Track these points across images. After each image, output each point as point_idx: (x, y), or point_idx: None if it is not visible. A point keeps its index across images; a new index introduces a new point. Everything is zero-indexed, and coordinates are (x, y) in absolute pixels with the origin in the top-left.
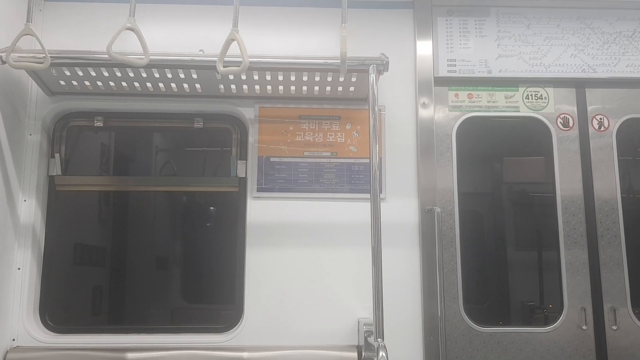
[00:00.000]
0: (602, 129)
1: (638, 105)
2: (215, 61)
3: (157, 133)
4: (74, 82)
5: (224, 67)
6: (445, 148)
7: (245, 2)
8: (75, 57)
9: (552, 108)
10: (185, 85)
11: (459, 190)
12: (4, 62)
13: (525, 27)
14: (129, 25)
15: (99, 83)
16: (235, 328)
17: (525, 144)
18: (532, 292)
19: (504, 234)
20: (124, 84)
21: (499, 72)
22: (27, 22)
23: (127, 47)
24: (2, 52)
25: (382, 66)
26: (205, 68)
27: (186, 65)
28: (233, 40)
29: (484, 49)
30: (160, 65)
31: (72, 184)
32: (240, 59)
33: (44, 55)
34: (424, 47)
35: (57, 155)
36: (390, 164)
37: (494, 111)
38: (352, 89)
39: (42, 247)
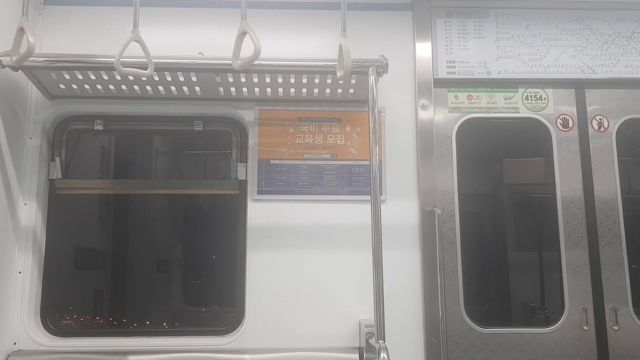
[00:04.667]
0: (602, 129)
1: (637, 106)
2: (214, 64)
3: (157, 136)
4: (74, 86)
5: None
6: (445, 149)
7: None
8: (74, 61)
9: (551, 109)
10: (185, 88)
11: (459, 191)
12: (3, 66)
13: (524, 28)
14: (135, 38)
15: (99, 86)
16: (236, 330)
17: (525, 145)
18: (533, 293)
19: (504, 235)
20: (123, 87)
21: (499, 73)
22: (22, 15)
23: (127, 51)
24: (1, 57)
25: (381, 68)
26: (205, 71)
27: (186, 68)
28: (244, 33)
29: (483, 51)
30: (160, 68)
31: (73, 187)
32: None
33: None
34: (423, 49)
35: (57, 159)
36: (391, 166)
37: (494, 112)
38: (351, 91)
39: (42, 250)
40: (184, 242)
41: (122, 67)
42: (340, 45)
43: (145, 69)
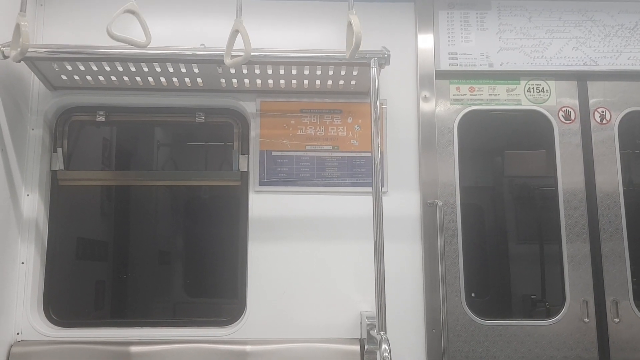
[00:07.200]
0: (604, 122)
1: None
2: (216, 55)
3: (159, 127)
4: (76, 77)
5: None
6: (446, 141)
7: None
8: (76, 52)
9: (553, 101)
10: (187, 80)
11: (461, 183)
12: (5, 57)
13: (526, 20)
14: (130, 7)
15: (101, 78)
16: (238, 321)
17: (526, 137)
18: (534, 285)
19: (505, 227)
20: (125, 78)
21: (501, 65)
22: (20, 11)
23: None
24: (3, 47)
25: (383, 60)
26: (207, 62)
27: (188, 60)
28: (238, 31)
29: (486, 42)
30: (162, 59)
31: (75, 178)
32: (242, 53)
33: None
34: (426, 41)
35: (59, 150)
36: (392, 158)
37: (496, 104)
38: (353, 82)
39: (45, 241)
40: (185, 233)
41: (115, 33)
42: (350, 22)
43: (153, 61)
